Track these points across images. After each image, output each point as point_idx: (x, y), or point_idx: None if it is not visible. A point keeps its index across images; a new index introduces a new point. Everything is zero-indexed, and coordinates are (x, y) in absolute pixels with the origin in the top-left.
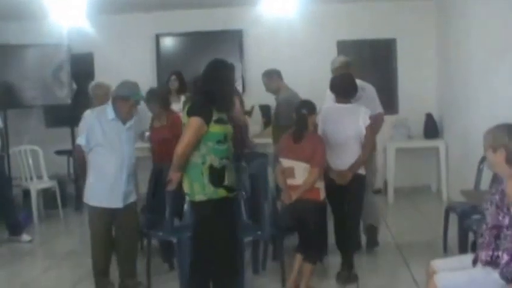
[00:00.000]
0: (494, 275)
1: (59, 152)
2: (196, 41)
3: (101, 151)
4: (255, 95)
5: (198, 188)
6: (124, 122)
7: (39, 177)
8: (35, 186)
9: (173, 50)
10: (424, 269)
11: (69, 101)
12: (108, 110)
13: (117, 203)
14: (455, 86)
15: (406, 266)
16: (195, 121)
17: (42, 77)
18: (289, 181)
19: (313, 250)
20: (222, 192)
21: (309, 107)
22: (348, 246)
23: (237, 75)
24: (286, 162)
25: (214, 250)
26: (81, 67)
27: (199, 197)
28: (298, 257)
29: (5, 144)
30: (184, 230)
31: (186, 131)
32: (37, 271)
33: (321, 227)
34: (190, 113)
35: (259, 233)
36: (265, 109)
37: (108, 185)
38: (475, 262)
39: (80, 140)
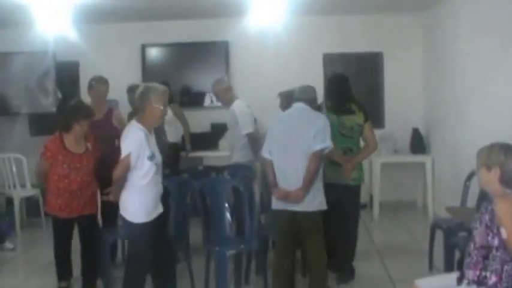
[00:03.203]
0: None
1: None
2: (182, 51)
3: None
4: None
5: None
6: None
7: (23, 186)
8: (18, 194)
9: (159, 61)
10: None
11: (54, 109)
12: None
13: None
14: (442, 101)
15: (391, 283)
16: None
17: (27, 85)
18: None
19: None
20: None
21: None
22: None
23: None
24: None
25: None
26: (67, 75)
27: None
28: None
29: None
30: None
31: (372, 131)
32: (19, 279)
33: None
34: (367, 118)
35: (242, 246)
36: None
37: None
38: (460, 280)
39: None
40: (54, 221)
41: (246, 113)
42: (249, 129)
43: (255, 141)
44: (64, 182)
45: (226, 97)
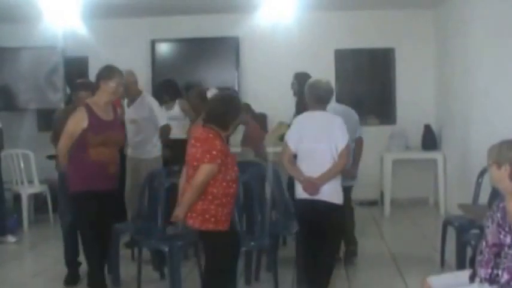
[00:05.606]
0: None
1: (51, 157)
2: (192, 47)
3: None
4: (250, 102)
5: None
6: None
7: (30, 182)
8: (25, 191)
9: (168, 56)
10: (421, 284)
11: (62, 105)
12: None
13: None
14: (454, 97)
15: (403, 280)
16: None
17: (36, 80)
18: None
19: None
20: None
21: None
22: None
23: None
24: None
25: None
26: (76, 71)
27: None
28: None
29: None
30: (176, 238)
31: None
32: (26, 276)
33: None
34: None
35: (252, 243)
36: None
37: None
38: (472, 278)
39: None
40: (220, 237)
41: (158, 105)
42: (166, 120)
43: (169, 132)
44: (233, 187)
45: (136, 89)
